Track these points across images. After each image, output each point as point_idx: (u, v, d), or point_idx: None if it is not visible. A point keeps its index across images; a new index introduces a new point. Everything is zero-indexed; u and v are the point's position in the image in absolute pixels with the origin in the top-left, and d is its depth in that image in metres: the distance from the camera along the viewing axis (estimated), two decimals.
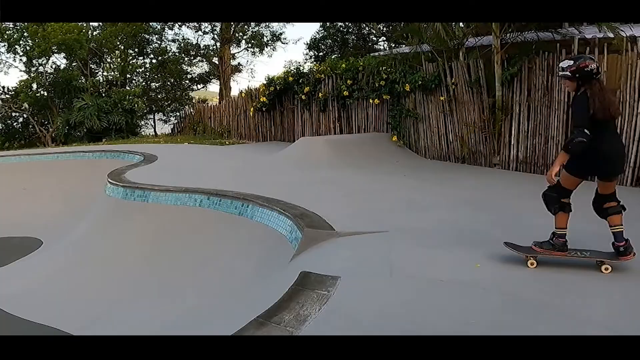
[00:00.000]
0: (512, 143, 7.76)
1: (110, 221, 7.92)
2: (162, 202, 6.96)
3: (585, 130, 3.12)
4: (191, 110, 18.28)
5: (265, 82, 13.31)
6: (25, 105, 17.52)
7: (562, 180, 3.40)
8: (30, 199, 11.66)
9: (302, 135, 12.47)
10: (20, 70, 18.14)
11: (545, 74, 7.21)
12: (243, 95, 14.88)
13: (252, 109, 13.94)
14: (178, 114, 19.14)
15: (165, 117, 19.55)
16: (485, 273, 3.36)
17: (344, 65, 11.18)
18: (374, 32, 20.82)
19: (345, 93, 10.76)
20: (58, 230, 10.05)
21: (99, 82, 17.61)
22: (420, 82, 8.92)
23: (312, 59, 21.68)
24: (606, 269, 3.32)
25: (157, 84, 20.03)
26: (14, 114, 17.92)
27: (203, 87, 22.40)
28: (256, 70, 38.97)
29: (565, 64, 3.34)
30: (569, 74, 3.30)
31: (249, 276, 5.07)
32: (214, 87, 22.37)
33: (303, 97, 12.13)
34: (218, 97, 20.30)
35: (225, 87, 19.98)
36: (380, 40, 21.66)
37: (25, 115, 17.77)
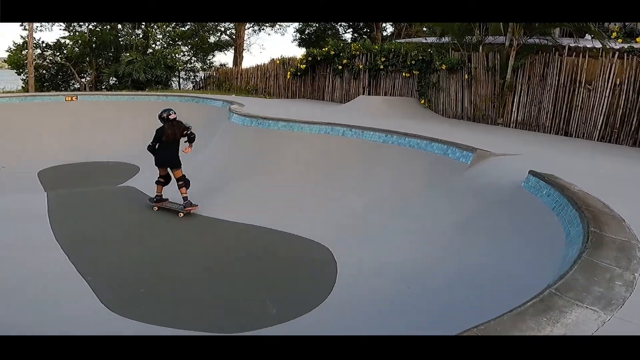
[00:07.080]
0: (514, 110, 10.93)
1: (244, 144, 9.65)
2: (307, 132, 8.80)
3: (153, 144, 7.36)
4: (214, 72, 19.76)
5: (304, 54, 15.49)
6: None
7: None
8: (126, 133, 12.65)
9: (331, 95, 15.19)
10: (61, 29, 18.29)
11: (542, 66, 10.31)
12: (277, 62, 16.85)
13: (289, 73, 16.03)
14: (199, 74, 20.50)
15: (186, 76, 20.72)
16: None
17: (376, 47, 13.80)
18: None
19: (382, 67, 13.37)
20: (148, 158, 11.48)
21: (143, 41, 18.38)
22: (449, 64, 11.77)
23: (299, 42, 24.52)
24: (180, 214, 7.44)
25: (185, 48, 21.13)
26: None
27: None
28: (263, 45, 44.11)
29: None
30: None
31: (415, 188, 6.70)
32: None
33: (339, 67, 14.54)
34: (233, 63, 21.92)
35: (239, 56, 21.70)
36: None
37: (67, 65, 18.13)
